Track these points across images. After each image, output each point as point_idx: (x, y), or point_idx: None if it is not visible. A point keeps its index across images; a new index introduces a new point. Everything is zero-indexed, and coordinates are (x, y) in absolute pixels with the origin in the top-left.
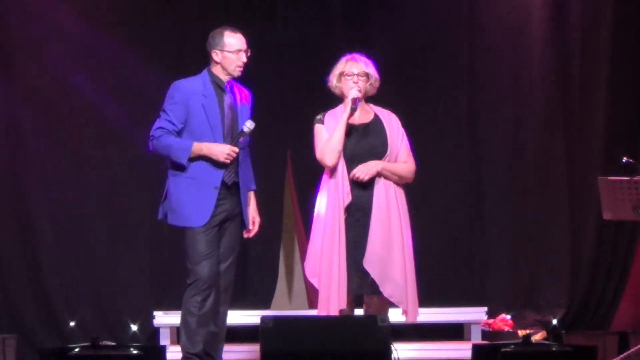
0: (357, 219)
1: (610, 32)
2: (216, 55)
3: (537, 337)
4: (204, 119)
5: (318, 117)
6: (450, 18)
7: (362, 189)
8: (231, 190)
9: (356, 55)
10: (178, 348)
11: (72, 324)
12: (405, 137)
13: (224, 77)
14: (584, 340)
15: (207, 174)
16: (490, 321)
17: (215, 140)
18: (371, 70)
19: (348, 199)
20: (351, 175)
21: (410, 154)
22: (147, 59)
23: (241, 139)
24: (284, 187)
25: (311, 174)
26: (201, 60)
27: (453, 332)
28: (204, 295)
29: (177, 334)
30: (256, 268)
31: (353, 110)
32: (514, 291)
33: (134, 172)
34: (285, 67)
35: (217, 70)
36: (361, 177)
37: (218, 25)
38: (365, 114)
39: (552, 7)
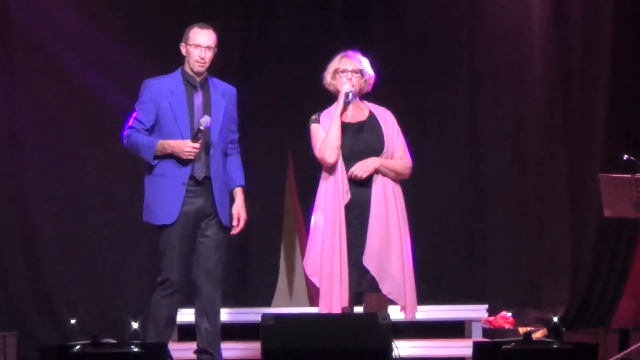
0: (356, 216)
1: (610, 30)
2: (182, 48)
3: (538, 334)
4: (171, 117)
5: (314, 117)
6: (451, 16)
7: (360, 186)
8: (204, 186)
9: (350, 52)
10: (179, 345)
11: (73, 321)
12: (400, 133)
13: (195, 74)
14: (585, 337)
15: (175, 170)
16: (491, 319)
17: (182, 138)
18: (365, 67)
19: (347, 197)
20: (349, 173)
21: (406, 150)
22: (148, 58)
23: (200, 135)
24: (284, 186)
25: (312, 172)
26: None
27: (454, 329)
28: (171, 296)
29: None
30: (257, 266)
31: (346, 105)
32: (514, 288)
33: (135, 170)
34: (286, 66)
35: (187, 66)
36: (360, 175)
37: (218, 25)
38: (360, 112)
39: (553, 5)
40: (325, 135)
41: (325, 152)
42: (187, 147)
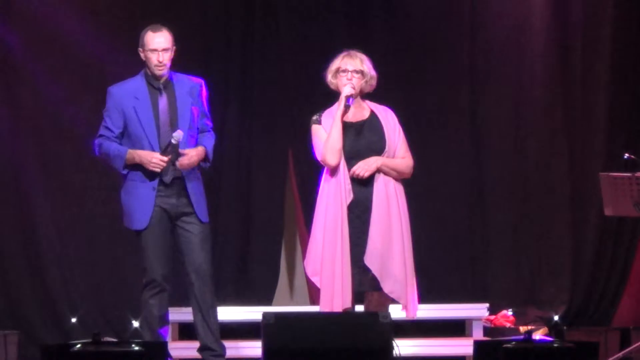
0: (357, 215)
1: (611, 29)
2: (141, 53)
3: (539, 333)
4: (137, 122)
5: (315, 117)
6: (452, 15)
7: (362, 185)
8: (176, 187)
9: (353, 52)
10: (180, 344)
11: (73, 320)
12: (402, 132)
13: (157, 76)
14: (586, 336)
15: (144, 175)
16: (492, 317)
17: (150, 142)
18: (367, 67)
19: (350, 196)
20: (351, 172)
21: (408, 149)
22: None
23: (169, 149)
24: (285, 185)
25: (312, 172)
26: (201, 60)
27: (454, 328)
28: (159, 296)
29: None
30: (257, 264)
31: (347, 108)
32: (515, 287)
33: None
34: (286, 66)
35: (148, 69)
36: (362, 174)
37: (218, 24)
38: (361, 111)
39: (553, 4)
40: (327, 137)
41: (327, 155)
42: (154, 158)
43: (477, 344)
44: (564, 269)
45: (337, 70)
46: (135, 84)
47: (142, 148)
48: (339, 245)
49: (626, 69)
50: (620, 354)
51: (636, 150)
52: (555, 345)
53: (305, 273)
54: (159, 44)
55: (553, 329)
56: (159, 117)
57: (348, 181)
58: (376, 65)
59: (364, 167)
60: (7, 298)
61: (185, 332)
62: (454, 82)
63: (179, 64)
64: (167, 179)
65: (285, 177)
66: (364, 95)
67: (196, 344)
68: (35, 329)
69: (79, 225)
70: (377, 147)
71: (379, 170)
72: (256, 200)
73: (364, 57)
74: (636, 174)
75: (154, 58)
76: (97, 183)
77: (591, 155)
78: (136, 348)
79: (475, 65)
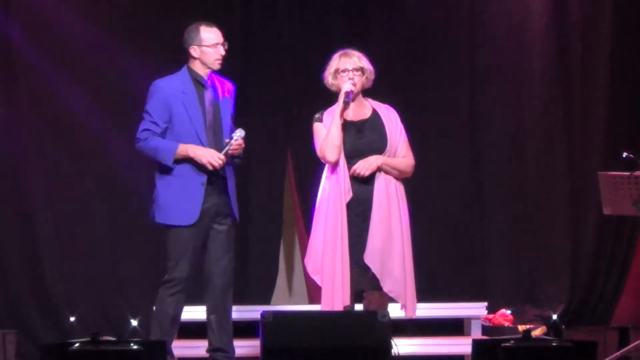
0: (357, 213)
1: (610, 28)
2: (194, 51)
3: (537, 332)
4: (185, 117)
5: (317, 115)
6: (451, 14)
7: (363, 184)
8: (219, 185)
9: (348, 50)
10: (178, 343)
11: (72, 319)
12: (403, 132)
13: (204, 73)
14: (585, 335)
15: (193, 171)
16: (491, 316)
17: (197, 137)
18: (365, 63)
19: (349, 195)
20: (352, 171)
21: (409, 148)
22: (148, 58)
23: (230, 150)
24: (284, 183)
25: (311, 170)
26: None
27: (453, 327)
28: (178, 295)
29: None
30: (256, 263)
31: (346, 104)
32: (514, 286)
33: (135, 167)
34: (285, 65)
35: (195, 66)
36: (362, 173)
37: (218, 24)
38: (363, 110)
39: (553, 3)
40: (326, 134)
41: (326, 151)
42: (216, 159)
43: (476, 343)
44: (563, 268)
45: (337, 71)
46: (181, 79)
47: (187, 142)
48: (339, 243)
49: (625, 69)
50: (618, 353)
51: (635, 149)
52: (554, 344)
53: (306, 271)
54: (219, 38)
55: (552, 328)
56: (205, 113)
57: (348, 180)
58: (375, 63)
59: (364, 166)
60: (6, 297)
61: (185, 331)
62: (453, 82)
63: (178, 63)
64: (218, 176)
65: (284, 177)
66: (367, 94)
67: (197, 343)
68: (34, 328)
69: (78, 224)
70: (378, 146)
71: (379, 169)
72: (255, 199)
73: (360, 54)
74: (635, 173)
75: (215, 52)
76: (96, 182)
77: (590, 154)
78: (135, 347)
79: (475, 65)
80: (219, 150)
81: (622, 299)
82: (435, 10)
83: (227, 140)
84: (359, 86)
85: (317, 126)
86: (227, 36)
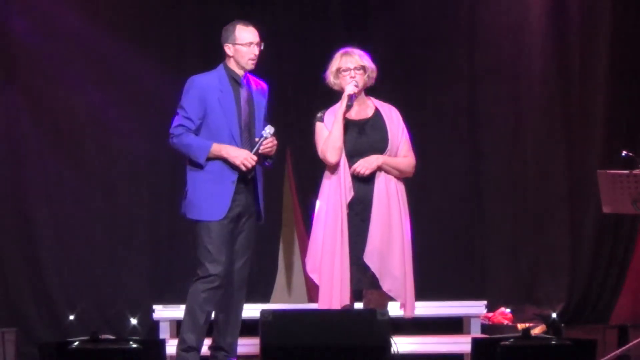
0: (357, 212)
1: (609, 27)
2: (229, 49)
3: (537, 330)
4: (221, 114)
5: (318, 115)
6: (450, 13)
7: (363, 183)
8: (248, 185)
9: (349, 49)
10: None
11: (71, 317)
12: (405, 131)
13: (239, 71)
14: (584, 334)
15: (225, 168)
16: (490, 315)
17: (232, 135)
18: (366, 62)
19: (350, 194)
20: (352, 170)
21: (411, 148)
22: (146, 57)
23: (260, 148)
24: (283, 182)
25: (310, 170)
26: (200, 58)
27: (452, 325)
28: (215, 292)
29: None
30: (256, 262)
31: (349, 107)
32: (513, 285)
33: (134, 167)
34: (285, 64)
35: (232, 64)
36: (362, 172)
37: (217, 24)
38: (365, 109)
39: (552, 2)
40: (328, 135)
41: (327, 152)
42: (249, 159)
43: (475, 342)
44: (562, 266)
45: (339, 71)
46: (218, 76)
47: (221, 140)
48: (339, 242)
49: (624, 68)
50: (618, 351)
51: (634, 147)
52: (553, 342)
53: (304, 270)
54: (254, 37)
55: (551, 327)
56: (241, 111)
57: (349, 179)
58: (376, 64)
59: (364, 165)
60: (5, 296)
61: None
62: (453, 82)
63: (178, 62)
64: (249, 176)
65: (284, 176)
66: (369, 92)
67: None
68: (33, 327)
69: (77, 223)
70: (379, 145)
71: (380, 169)
72: None
73: (361, 52)
74: (634, 172)
75: (249, 51)
76: (95, 182)
77: (589, 153)
78: (134, 345)
79: (475, 65)
80: (252, 149)
81: (621, 297)
82: (435, 10)
83: (257, 139)
84: (361, 85)
85: (318, 126)
86: None
